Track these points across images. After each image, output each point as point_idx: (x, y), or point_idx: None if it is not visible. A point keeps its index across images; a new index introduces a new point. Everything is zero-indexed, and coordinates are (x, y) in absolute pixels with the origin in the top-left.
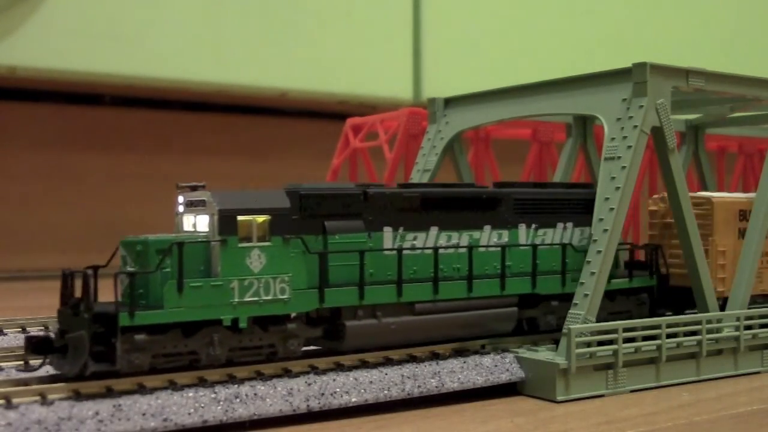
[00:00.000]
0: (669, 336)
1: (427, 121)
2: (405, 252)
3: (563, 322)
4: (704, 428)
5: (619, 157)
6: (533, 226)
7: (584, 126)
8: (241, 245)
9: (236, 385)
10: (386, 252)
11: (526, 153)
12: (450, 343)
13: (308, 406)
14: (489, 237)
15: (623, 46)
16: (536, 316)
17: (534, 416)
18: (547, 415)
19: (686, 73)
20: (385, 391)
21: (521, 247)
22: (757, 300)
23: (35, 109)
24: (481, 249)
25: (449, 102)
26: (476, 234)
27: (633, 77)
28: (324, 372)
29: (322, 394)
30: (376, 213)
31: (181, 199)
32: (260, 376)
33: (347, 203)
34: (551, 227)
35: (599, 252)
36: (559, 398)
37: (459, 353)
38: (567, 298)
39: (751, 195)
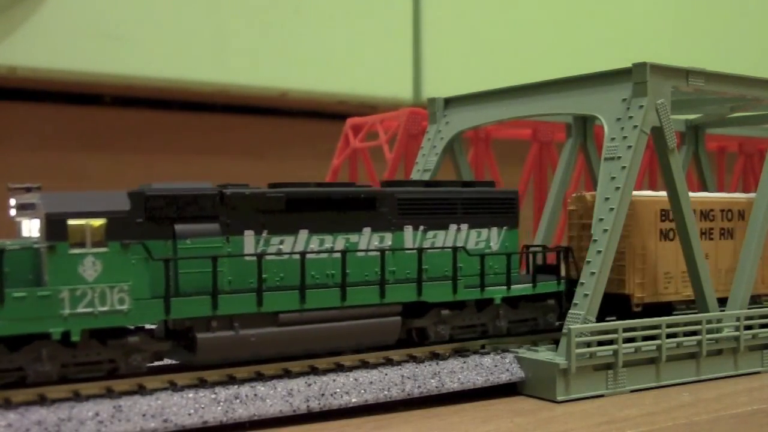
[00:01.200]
0: (669, 336)
1: (427, 121)
2: (270, 258)
3: (458, 332)
4: (704, 428)
5: (619, 157)
6: (421, 228)
7: (584, 126)
8: (72, 252)
9: (236, 386)
10: (248, 258)
11: (526, 153)
12: (332, 356)
13: (308, 406)
14: (369, 240)
15: (623, 46)
16: (425, 327)
17: (534, 416)
18: (547, 415)
19: (686, 73)
20: (385, 392)
21: (406, 251)
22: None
23: (35, 109)
24: (360, 254)
25: (449, 102)
26: (354, 237)
27: (633, 77)
28: (324, 372)
29: (322, 394)
30: (236, 215)
31: (12, 201)
32: (260, 377)
33: (202, 205)
34: (442, 229)
35: (599, 252)
36: (559, 398)
37: (459, 353)
38: (460, 307)
39: None
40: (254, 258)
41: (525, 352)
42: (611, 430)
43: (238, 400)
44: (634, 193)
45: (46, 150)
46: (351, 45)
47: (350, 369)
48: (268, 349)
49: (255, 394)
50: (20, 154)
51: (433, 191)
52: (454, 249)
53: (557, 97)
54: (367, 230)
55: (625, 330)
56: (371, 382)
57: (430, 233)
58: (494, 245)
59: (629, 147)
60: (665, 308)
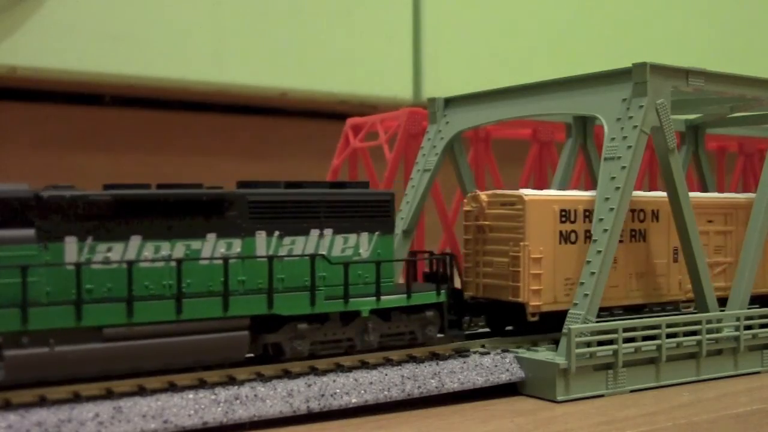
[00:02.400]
0: (669, 336)
1: (427, 121)
2: (97, 267)
3: (319, 348)
4: (704, 428)
5: (619, 157)
6: (276, 233)
7: (584, 126)
8: None
9: (236, 387)
10: (69, 267)
11: (526, 153)
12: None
13: (308, 407)
14: (214, 247)
15: (623, 46)
16: (280, 342)
17: (534, 416)
18: (547, 415)
19: (686, 73)
20: (385, 392)
21: (259, 260)
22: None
23: (35, 109)
24: (204, 262)
25: (449, 102)
26: (196, 244)
27: (633, 77)
28: (324, 373)
29: (322, 395)
30: (55, 220)
31: None
32: (260, 378)
33: (13, 209)
34: (302, 235)
35: (599, 252)
36: (559, 398)
37: (459, 353)
38: (321, 320)
39: (580, 192)
40: (73, 267)
41: (525, 352)
42: (611, 430)
43: (238, 401)
44: (530, 191)
45: (46, 150)
46: (351, 45)
47: (350, 369)
48: (89, 367)
49: (255, 395)
50: (20, 154)
51: (292, 193)
52: (312, 257)
53: (557, 97)
54: (211, 236)
55: (625, 330)
56: (371, 383)
57: (287, 239)
58: (364, 252)
59: (629, 147)
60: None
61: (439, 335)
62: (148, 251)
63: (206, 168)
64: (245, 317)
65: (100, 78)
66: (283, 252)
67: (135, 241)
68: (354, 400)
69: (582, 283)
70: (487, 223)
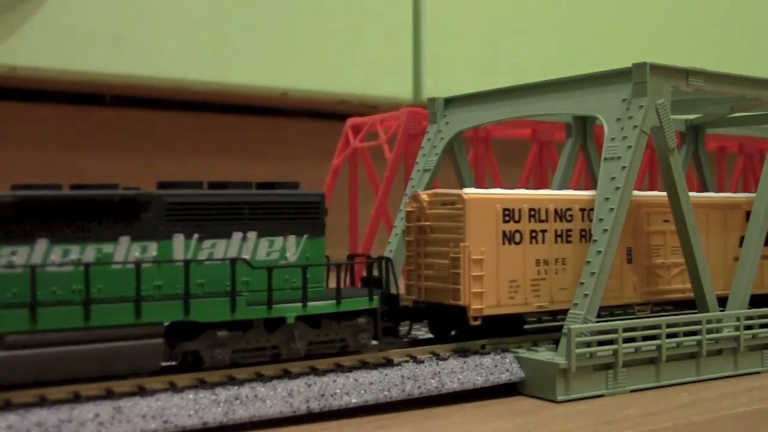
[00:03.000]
0: (669, 336)
1: (427, 121)
2: None
3: (241, 356)
4: (704, 428)
5: (619, 157)
6: (195, 236)
7: (584, 126)
8: None
9: (236, 387)
10: None
11: (526, 153)
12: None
13: (308, 407)
14: (127, 251)
15: (624, 46)
16: (199, 350)
17: (534, 416)
18: (547, 415)
19: (686, 73)
20: (386, 392)
21: (176, 264)
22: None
23: (35, 109)
24: (117, 266)
25: (449, 102)
26: (108, 247)
27: (633, 77)
28: (324, 373)
29: (322, 395)
30: None
31: None
32: (260, 378)
33: None
34: (224, 238)
35: (599, 252)
36: (559, 398)
37: (459, 353)
38: (243, 326)
39: (525, 191)
40: None
41: (525, 352)
42: (611, 430)
43: (238, 401)
44: (471, 190)
45: (46, 150)
46: (351, 45)
47: (350, 369)
48: None
49: (255, 395)
50: (20, 154)
51: (213, 194)
52: (233, 260)
53: (557, 97)
54: (125, 239)
55: (625, 330)
56: (371, 383)
57: (207, 242)
58: (291, 256)
59: (629, 147)
60: (513, 321)
61: (373, 342)
62: (56, 255)
63: (206, 168)
64: (160, 324)
65: (100, 78)
66: (202, 256)
67: (41, 244)
68: (354, 400)
69: (582, 283)
70: (427, 223)
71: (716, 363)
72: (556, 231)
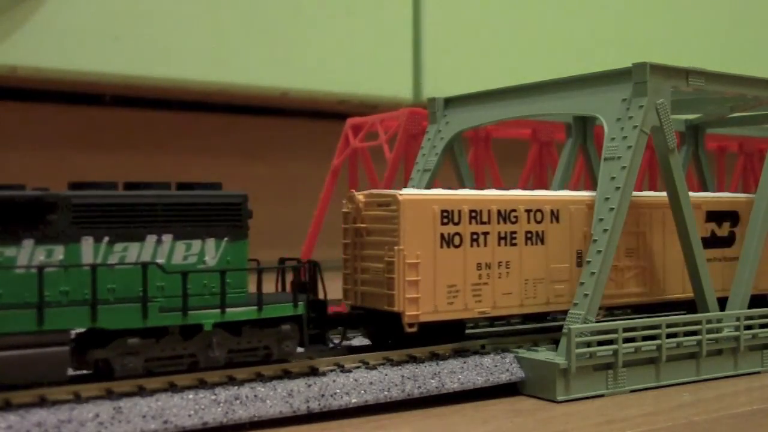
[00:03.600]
0: (669, 336)
1: (427, 121)
2: None
3: (155, 365)
4: (704, 428)
5: (619, 157)
6: (105, 239)
7: (584, 126)
8: None
9: (236, 387)
10: None
11: (526, 153)
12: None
13: (308, 407)
14: (31, 255)
15: (623, 46)
16: (109, 358)
17: (534, 416)
18: (547, 415)
19: (686, 73)
20: (385, 392)
21: (83, 268)
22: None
23: (35, 109)
24: (20, 271)
25: (449, 102)
26: (9, 251)
27: (633, 77)
28: (324, 373)
29: (322, 395)
30: None
31: None
32: (260, 378)
33: None
34: (137, 241)
35: (599, 252)
36: (559, 398)
37: (459, 353)
38: (157, 334)
39: (466, 192)
40: None
41: (525, 352)
42: (611, 430)
43: (238, 401)
44: (407, 191)
45: (46, 150)
46: (351, 45)
47: (350, 370)
48: None
49: (255, 395)
50: (20, 154)
51: (125, 195)
52: (144, 265)
53: (557, 97)
54: (29, 242)
55: (625, 330)
56: (371, 383)
57: (119, 246)
58: (210, 260)
59: (629, 147)
60: (453, 327)
61: (300, 350)
62: None
63: (206, 168)
64: (65, 332)
65: (100, 78)
66: (113, 260)
67: None
68: (354, 400)
69: (582, 283)
70: (363, 225)
71: (716, 363)
72: (499, 233)
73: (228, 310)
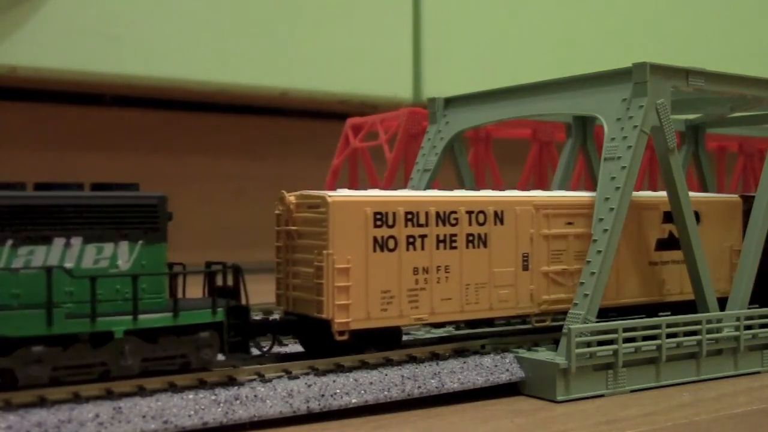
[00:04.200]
0: (669, 336)
1: (427, 121)
2: None
3: (64, 374)
4: (704, 428)
5: (619, 157)
6: (9, 242)
7: (584, 126)
8: None
9: (236, 387)
10: None
11: (526, 153)
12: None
13: (308, 407)
14: None
15: (623, 46)
16: (12, 368)
17: (534, 416)
18: (547, 415)
19: (686, 73)
20: (385, 392)
21: None
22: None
23: (35, 109)
24: None
25: (449, 102)
26: None
27: (633, 77)
28: (324, 373)
29: (322, 395)
30: None
31: None
32: (260, 378)
33: None
34: (44, 244)
35: (599, 252)
36: (559, 398)
37: (459, 353)
38: (65, 341)
39: (402, 192)
40: None
41: (525, 352)
42: (611, 430)
43: (238, 401)
44: (337, 192)
45: (46, 150)
46: (351, 45)
47: (350, 370)
48: None
49: (255, 395)
50: (20, 154)
51: (31, 196)
52: (48, 269)
53: (557, 97)
54: None
55: (625, 330)
56: (371, 383)
57: (24, 249)
58: (123, 264)
59: (629, 147)
60: (389, 335)
61: (221, 358)
62: None
63: (206, 168)
64: None
65: (100, 78)
66: (18, 264)
67: None
68: (354, 400)
69: (582, 283)
70: (294, 228)
71: (716, 363)
72: (438, 236)
73: (141, 316)
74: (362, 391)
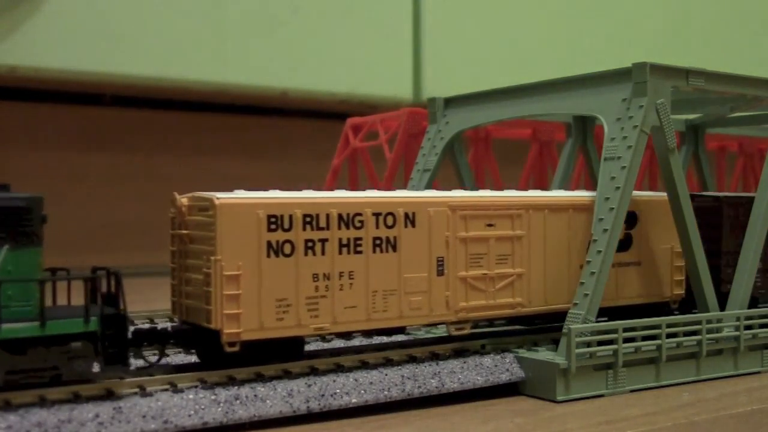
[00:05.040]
0: (669, 336)
1: (427, 121)
2: None
3: None
4: (704, 428)
5: (619, 157)
6: None
7: (584, 126)
8: None
9: (236, 387)
10: None
11: (526, 153)
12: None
13: (308, 407)
14: None
15: (623, 46)
16: None
17: (534, 416)
18: (547, 415)
19: (686, 73)
20: (385, 392)
21: None
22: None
23: (35, 109)
24: None
25: (449, 102)
26: None
27: (633, 77)
28: (324, 373)
29: (322, 395)
30: None
31: None
32: (260, 378)
33: None
34: None
35: (599, 252)
36: (559, 398)
37: (459, 353)
38: None
39: (300, 194)
40: None
41: (525, 352)
42: (611, 430)
43: (238, 401)
44: (226, 194)
45: (46, 150)
46: (351, 45)
47: (350, 369)
48: None
49: (255, 395)
50: (20, 154)
51: None
52: None
53: (557, 97)
54: None
55: (625, 330)
56: (371, 383)
57: None
58: None
59: (629, 147)
60: (288, 345)
61: (96, 370)
62: None
63: (206, 168)
64: None
65: (100, 78)
66: None
67: None
68: (354, 400)
69: (582, 283)
70: (185, 232)
71: (716, 363)
72: (341, 240)
73: (4, 326)
74: (362, 391)
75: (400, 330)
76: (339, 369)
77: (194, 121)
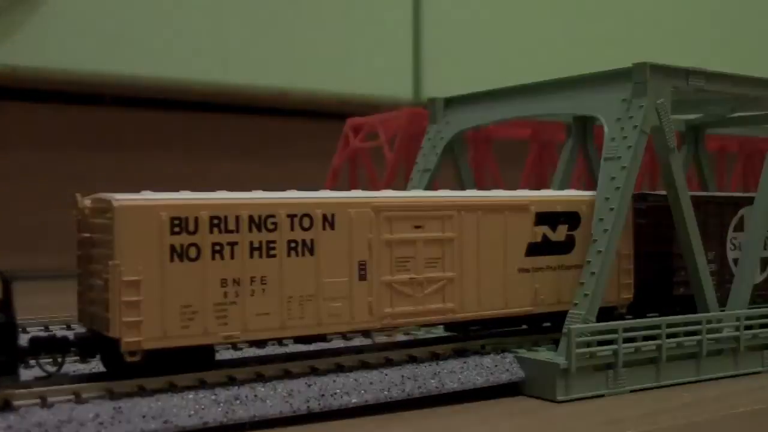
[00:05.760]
0: (669, 336)
1: (428, 121)
2: None
3: None
4: (704, 428)
5: (619, 157)
6: None
7: (584, 126)
8: None
9: (236, 387)
10: None
11: (526, 153)
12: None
13: (308, 407)
14: None
15: (623, 46)
16: None
17: (534, 416)
18: (547, 415)
19: (686, 73)
20: (386, 392)
21: None
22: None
23: (35, 109)
24: None
25: (449, 102)
26: None
27: (633, 77)
28: (324, 373)
29: (322, 395)
30: None
31: None
32: (260, 378)
33: None
34: None
35: (599, 252)
36: (560, 398)
37: (459, 353)
38: None
39: (206, 195)
40: None
41: (525, 352)
42: (611, 430)
43: (238, 401)
44: (125, 195)
45: (47, 150)
46: (351, 45)
47: (350, 369)
48: None
49: (255, 395)
50: (20, 154)
51: None
52: None
53: (557, 97)
54: None
55: (626, 330)
56: (371, 383)
57: None
58: None
59: (629, 147)
60: (197, 354)
61: None
62: None
63: (206, 168)
64: None
65: (100, 78)
66: None
67: None
68: (354, 400)
69: (582, 283)
70: (87, 235)
71: (716, 363)
72: (252, 243)
73: None
74: (362, 391)
75: (321, 338)
76: (339, 369)
77: (194, 121)
